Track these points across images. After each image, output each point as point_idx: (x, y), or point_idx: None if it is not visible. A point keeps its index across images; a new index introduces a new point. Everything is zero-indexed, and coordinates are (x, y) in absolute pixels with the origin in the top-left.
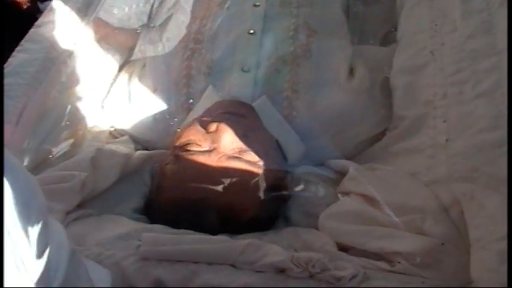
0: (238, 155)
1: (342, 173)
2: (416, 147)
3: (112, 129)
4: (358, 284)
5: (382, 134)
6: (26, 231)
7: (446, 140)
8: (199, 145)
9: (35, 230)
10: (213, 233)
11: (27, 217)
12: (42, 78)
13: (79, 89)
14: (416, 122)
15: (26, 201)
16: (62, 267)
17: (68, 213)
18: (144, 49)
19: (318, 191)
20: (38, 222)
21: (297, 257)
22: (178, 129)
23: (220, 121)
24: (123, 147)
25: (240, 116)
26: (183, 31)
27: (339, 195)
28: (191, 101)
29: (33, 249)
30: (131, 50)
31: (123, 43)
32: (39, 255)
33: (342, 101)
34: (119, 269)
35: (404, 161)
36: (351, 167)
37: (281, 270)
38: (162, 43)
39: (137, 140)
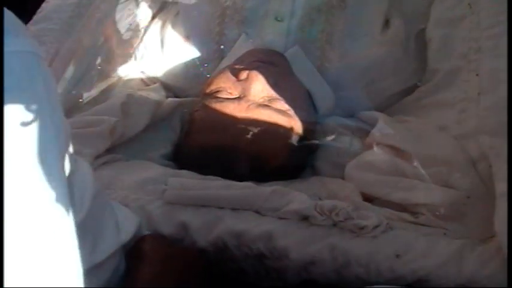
0: (267, 103)
1: (372, 125)
2: (448, 100)
3: (143, 75)
4: (380, 234)
5: (415, 86)
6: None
7: (478, 93)
8: (230, 92)
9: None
10: (240, 179)
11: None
12: (75, 24)
13: (112, 35)
14: (450, 76)
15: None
16: (85, 203)
17: (97, 157)
18: None
19: (346, 141)
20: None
21: (321, 205)
22: (209, 77)
23: (251, 69)
24: (154, 94)
25: (271, 64)
26: None
27: (367, 146)
28: (223, 47)
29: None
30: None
31: None
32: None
33: (376, 53)
34: (144, 213)
35: (435, 114)
36: (381, 118)
37: (304, 218)
38: None
39: (168, 87)
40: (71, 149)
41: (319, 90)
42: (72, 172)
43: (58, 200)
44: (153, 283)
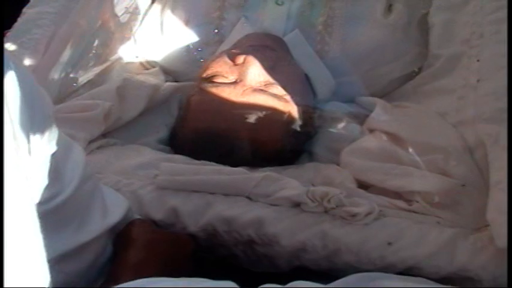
0: (264, 88)
1: (371, 110)
2: (448, 87)
3: (138, 59)
4: (372, 221)
5: (416, 72)
6: (28, 136)
7: (478, 80)
8: (226, 77)
9: (38, 135)
10: (234, 165)
11: (31, 121)
12: (71, 7)
13: (110, 18)
14: (451, 61)
15: (30, 105)
16: (72, 184)
17: (91, 141)
18: None
19: (344, 127)
20: (42, 126)
21: (313, 191)
22: (203, 61)
23: (248, 53)
24: (152, 78)
25: (269, 49)
26: None
27: (365, 132)
28: (222, 31)
29: (36, 153)
30: None
31: None
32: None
33: (377, 37)
34: (135, 198)
35: (435, 100)
36: (378, 104)
37: (296, 204)
38: None
39: (167, 71)
40: (52, 129)
41: (318, 75)
42: (63, 153)
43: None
44: (138, 267)
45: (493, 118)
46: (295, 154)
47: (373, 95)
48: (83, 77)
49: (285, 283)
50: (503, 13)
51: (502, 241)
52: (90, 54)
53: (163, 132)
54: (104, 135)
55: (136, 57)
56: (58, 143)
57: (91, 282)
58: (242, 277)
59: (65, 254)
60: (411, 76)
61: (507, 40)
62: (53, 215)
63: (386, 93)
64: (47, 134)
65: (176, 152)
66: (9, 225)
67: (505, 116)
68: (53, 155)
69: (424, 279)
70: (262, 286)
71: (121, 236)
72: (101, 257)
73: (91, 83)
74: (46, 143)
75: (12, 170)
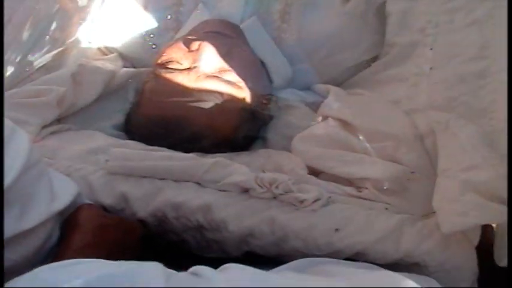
0: (218, 75)
1: (326, 97)
2: (402, 75)
3: (90, 44)
4: (320, 207)
5: (373, 60)
6: None
7: (431, 68)
8: (180, 63)
9: None
10: (188, 151)
11: None
12: None
13: (68, 1)
14: (407, 50)
15: None
16: (13, 172)
17: (45, 127)
18: None
19: (299, 114)
20: None
21: (261, 177)
22: (155, 47)
23: (203, 40)
24: (109, 64)
25: (224, 35)
26: None
27: (318, 119)
28: (177, 17)
29: None
30: None
31: None
32: None
33: (334, 25)
34: (86, 183)
35: (389, 88)
36: (332, 91)
37: (245, 190)
38: None
39: (125, 57)
40: None
41: (275, 62)
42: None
43: None
44: (84, 251)
45: (444, 106)
46: (249, 140)
47: (329, 83)
48: (38, 61)
49: None
50: (458, 2)
51: (447, 227)
52: (47, 38)
53: (118, 118)
54: (58, 120)
55: (90, 42)
56: None
57: (36, 266)
58: (192, 263)
59: (6, 242)
60: (368, 64)
61: (507, 39)
62: None
63: (343, 81)
64: None
65: (130, 138)
66: None
67: (455, 104)
68: None
69: (369, 264)
70: (194, 267)
71: (68, 220)
72: (48, 242)
73: (46, 68)
74: None
75: None
